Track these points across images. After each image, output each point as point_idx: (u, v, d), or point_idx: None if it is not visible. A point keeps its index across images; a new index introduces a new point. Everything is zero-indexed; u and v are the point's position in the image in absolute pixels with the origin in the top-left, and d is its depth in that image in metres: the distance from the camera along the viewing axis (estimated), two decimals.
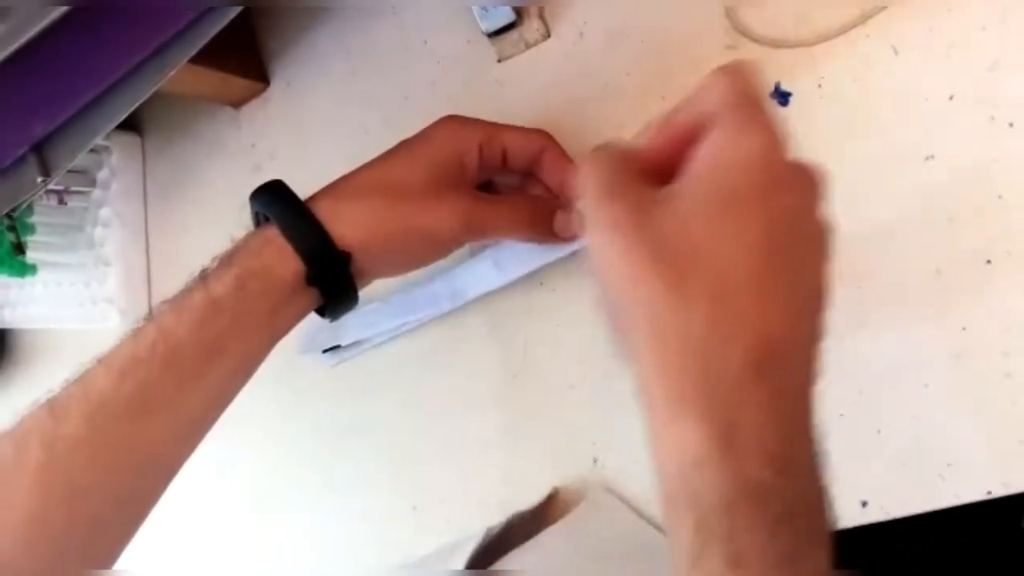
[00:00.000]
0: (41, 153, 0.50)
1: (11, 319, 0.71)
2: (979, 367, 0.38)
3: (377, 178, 0.42)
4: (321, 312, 0.43)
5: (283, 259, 0.39)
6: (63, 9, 0.42)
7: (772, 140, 0.27)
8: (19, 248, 0.55)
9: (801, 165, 0.28)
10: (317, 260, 0.39)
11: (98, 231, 0.66)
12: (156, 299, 0.67)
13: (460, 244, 0.43)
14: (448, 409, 0.52)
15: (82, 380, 0.37)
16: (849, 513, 0.39)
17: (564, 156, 0.45)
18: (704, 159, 0.28)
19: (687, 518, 0.25)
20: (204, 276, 0.39)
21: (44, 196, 0.62)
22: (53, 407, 0.37)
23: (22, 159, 0.50)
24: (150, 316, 0.39)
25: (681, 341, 0.26)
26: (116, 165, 0.67)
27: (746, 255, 0.26)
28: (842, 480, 0.39)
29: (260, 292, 0.39)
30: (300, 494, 0.58)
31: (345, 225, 0.40)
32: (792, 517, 0.24)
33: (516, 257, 0.46)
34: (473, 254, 0.49)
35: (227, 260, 0.40)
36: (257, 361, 0.41)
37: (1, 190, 0.51)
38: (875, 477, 0.39)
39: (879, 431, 0.39)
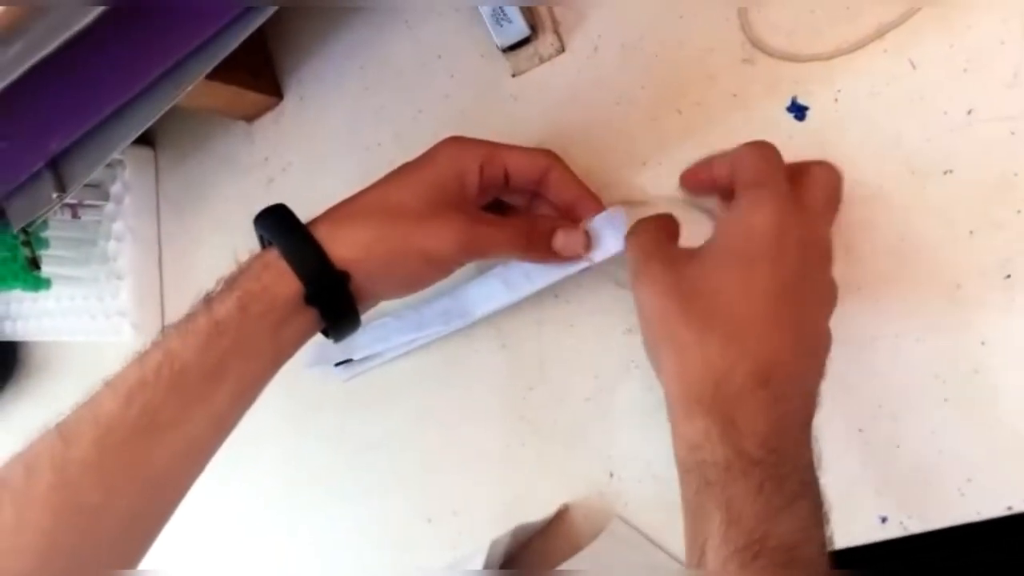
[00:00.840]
0: (56, 169, 0.50)
1: (24, 331, 0.72)
2: (999, 382, 0.38)
3: (376, 200, 0.42)
4: (325, 333, 0.43)
5: (282, 281, 0.39)
6: (79, 26, 0.42)
7: (785, 216, 0.35)
8: (34, 263, 0.56)
9: (808, 237, 0.35)
10: (315, 280, 0.40)
11: (111, 245, 0.66)
12: (169, 312, 0.68)
13: (460, 264, 0.44)
14: (462, 421, 0.52)
15: (90, 403, 0.38)
16: (868, 529, 0.39)
17: (570, 175, 0.45)
18: (728, 224, 0.36)
19: (693, 481, 0.32)
20: (208, 299, 0.40)
21: (58, 210, 0.63)
22: (62, 430, 0.38)
23: (37, 175, 0.50)
24: (156, 340, 0.39)
25: (698, 363, 0.34)
26: (129, 179, 0.67)
27: (756, 303, 0.34)
28: (861, 495, 0.40)
29: (261, 314, 0.39)
30: (313, 506, 0.58)
31: (343, 246, 0.40)
32: (779, 480, 0.31)
33: (525, 275, 0.46)
34: (482, 271, 0.49)
35: (229, 283, 0.40)
36: (262, 383, 0.42)
37: (17, 206, 0.51)
38: (894, 492, 0.39)
39: (898, 446, 0.39)
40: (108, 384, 0.38)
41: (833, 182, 0.39)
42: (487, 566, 0.42)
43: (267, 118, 0.63)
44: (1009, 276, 0.38)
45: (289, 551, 0.58)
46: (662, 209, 0.43)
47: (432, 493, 0.52)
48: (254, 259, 0.41)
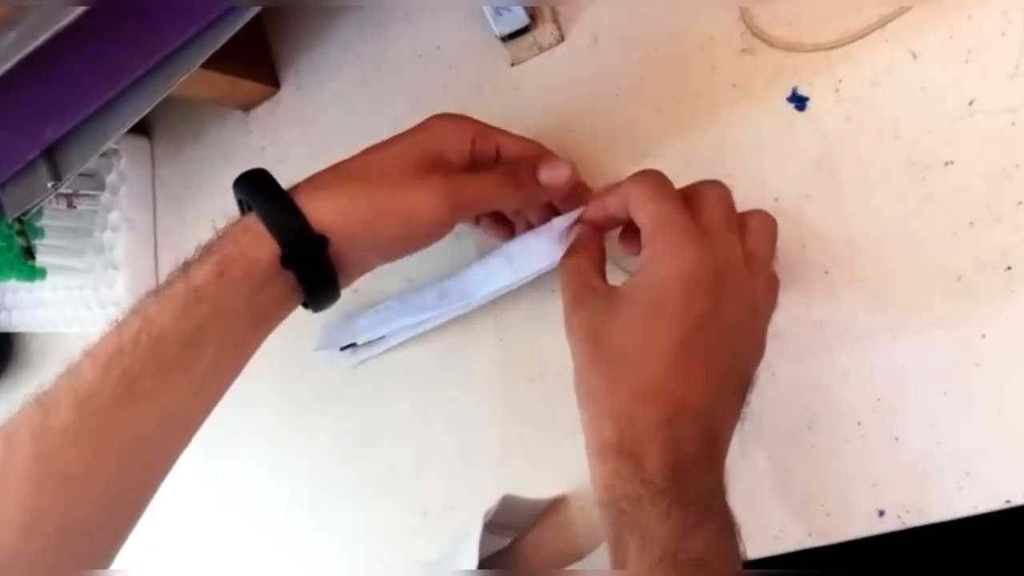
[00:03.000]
0: (52, 158, 0.50)
1: (19, 323, 0.71)
2: (998, 375, 0.37)
3: (359, 166, 0.42)
4: (305, 306, 0.43)
5: (260, 244, 0.39)
6: (75, 14, 0.42)
7: (691, 261, 0.35)
8: (29, 252, 0.55)
9: (724, 276, 0.36)
10: (292, 242, 0.39)
11: (107, 235, 0.66)
12: None
13: (449, 225, 0.42)
14: (460, 414, 0.52)
15: (69, 373, 0.38)
16: (866, 522, 0.39)
17: (559, 160, 0.44)
18: (639, 276, 0.37)
19: (610, 515, 0.34)
20: (186, 266, 0.39)
21: (53, 200, 0.62)
22: (42, 401, 0.37)
23: (32, 164, 0.50)
24: (134, 307, 0.39)
25: (607, 412, 0.36)
26: (125, 169, 0.66)
27: (662, 355, 0.35)
28: (859, 489, 0.39)
29: (239, 278, 0.39)
30: (309, 499, 0.58)
31: (322, 209, 0.40)
32: (684, 506, 0.33)
33: (527, 254, 0.45)
34: (483, 255, 0.49)
35: (207, 249, 0.40)
36: (244, 350, 0.41)
37: (12, 195, 0.51)
38: (892, 486, 0.39)
39: (897, 439, 0.39)
40: (87, 353, 0.38)
41: (770, 234, 0.39)
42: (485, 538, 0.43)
43: (264, 108, 0.63)
44: (1010, 268, 0.37)
45: (284, 545, 0.58)
46: None
47: (429, 486, 0.52)
48: (232, 224, 0.41)
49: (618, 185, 0.39)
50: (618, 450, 0.34)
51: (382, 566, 0.53)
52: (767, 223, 0.39)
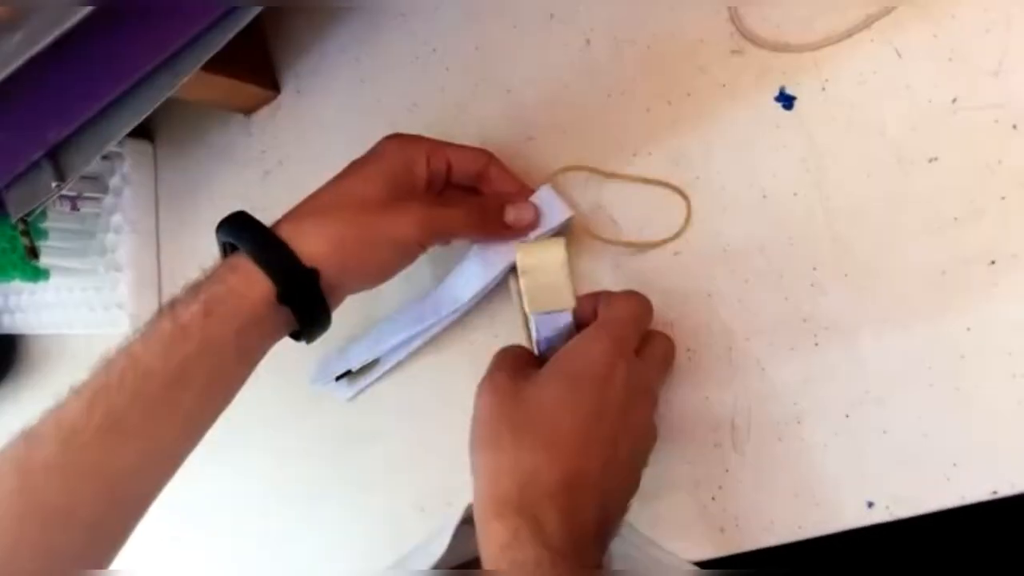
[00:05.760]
0: (56, 158, 0.50)
1: (23, 324, 0.72)
2: (984, 367, 0.38)
3: (336, 196, 0.43)
4: (296, 336, 0.44)
5: (250, 283, 0.40)
6: (78, 16, 0.43)
7: (619, 353, 0.38)
8: (33, 252, 0.56)
9: (636, 379, 0.38)
10: (286, 279, 0.40)
11: (110, 237, 0.67)
12: None
13: (423, 248, 0.44)
14: (456, 411, 0.52)
15: (56, 409, 0.38)
16: (855, 514, 0.40)
17: (507, 171, 0.48)
18: (569, 347, 0.39)
19: None
20: (173, 304, 0.40)
21: (57, 202, 0.63)
22: (28, 436, 0.38)
23: (36, 165, 0.50)
24: (121, 345, 0.40)
25: (510, 464, 0.36)
26: (128, 172, 0.67)
27: (575, 418, 0.36)
28: (848, 481, 0.40)
29: (226, 317, 0.39)
30: (307, 496, 0.58)
31: (310, 243, 0.41)
32: (583, 571, 0.34)
33: (496, 251, 0.47)
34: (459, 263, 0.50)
35: (194, 289, 0.41)
36: (232, 385, 0.42)
37: (16, 195, 0.52)
38: (880, 477, 0.39)
39: (885, 431, 0.40)
40: (74, 390, 0.39)
41: (670, 349, 0.44)
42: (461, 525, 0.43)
43: (264, 111, 0.64)
44: (994, 262, 0.38)
45: (281, 537, 0.59)
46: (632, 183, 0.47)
47: (426, 484, 0.53)
48: (219, 265, 0.42)
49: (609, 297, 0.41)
50: (518, 508, 0.34)
51: (377, 559, 0.53)
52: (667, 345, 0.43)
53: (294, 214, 0.43)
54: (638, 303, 0.41)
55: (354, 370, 0.54)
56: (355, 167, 0.44)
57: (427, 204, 0.44)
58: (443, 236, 0.45)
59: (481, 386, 0.40)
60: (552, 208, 0.47)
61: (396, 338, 0.52)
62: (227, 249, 0.43)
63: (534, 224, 0.47)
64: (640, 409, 0.39)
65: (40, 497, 0.37)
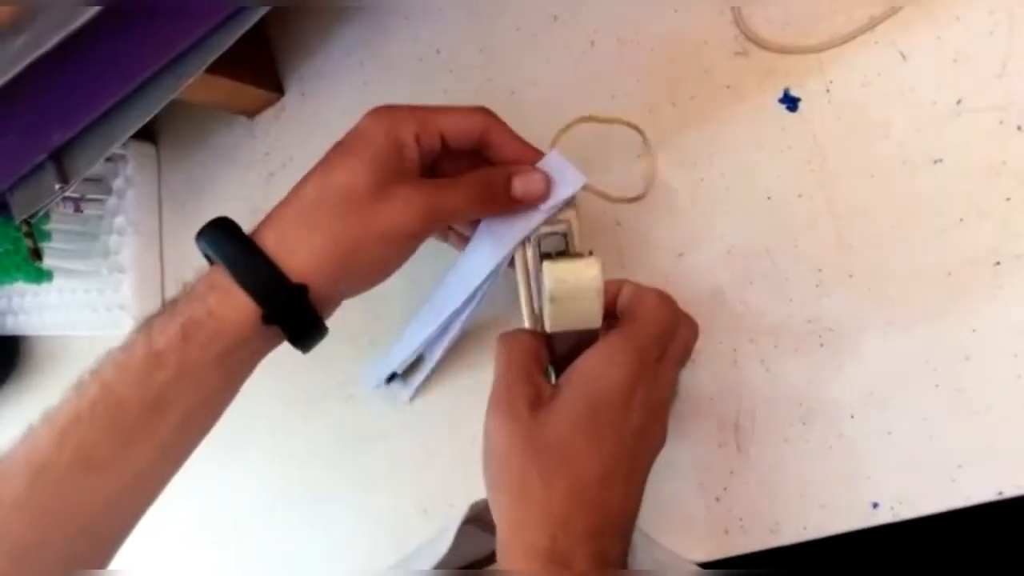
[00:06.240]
0: (59, 160, 0.51)
1: (26, 326, 0.72)
2: (990, 368, 0.38)
3: (319, 192, 0.39)
4: (293, 342, 0.41)
5: (232, 303, 0.37)
6: (82, 19, 0.43)
7: (638, 376, 0.36)
8: (36, 254, 0.56)
9: (653, 393, 0.37)
10: (270, 299, 0.37)
11: (113, 239, 0.67)
12: None
13: (423, 238, 0.41)
14: (459, 412, 0.52)
15: (26, 440, 0.37)
16: (860, 515, 0.40)
17: (509, 132, 0.42)
18: (585, 372, 0.36)
19: None
20: (149, 324, 0.38)
21: (60, 204, 0.63)
22: None
23: (40, 167, 0.51)
24: (94, 369, 0.38)
25: (541, 512, 0.34)
26: (132, 174, 0.68)
27: (599, 461, 0.35)
28: (853, 482, 0.40)
29: (206, 341, 0.37)
30: (311, 496, 0.58)
31: (295, 255, 0.37)
32: None
33: (506, 225, 0.43)
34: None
35: (171, 308, 0.38)
36: (215, 407, 0.40)
37: (20, 196, 0.52)
38: (885, 479, 0.39)
39: (889, 432, 0.40)
40: (45, 419, 0.37)
41: (691, 342, 0.42)
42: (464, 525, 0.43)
43: (268, 113, 0.64)
44: (998, 263, 0.38)
45: (284, 538, 0.59)
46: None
47: (429, 485, 0.53)
48: (198, 281, 0.39)
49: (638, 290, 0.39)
50: (549, 556, 0.34)
51: (381, 560, 0.53)
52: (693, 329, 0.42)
53: (277, 219, 0.39)
54: (667, 314, 0.39)
55: (399, 372, 0.52)
56: (337, 154, 0.40)
57: (422, 188, 0.39)
58: (444, 222, 0.41)
59: (494, 412, 0.37)
60: (564, 175, 0.42)
61: (424, 333, 0.49)
62: (210, 259, 0.40)
63: (545, 195, 0.41)
64: (656, 426, 0.38)
65: (9, 533, 0.36)
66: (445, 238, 0.48)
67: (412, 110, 0.40)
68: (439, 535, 0.44)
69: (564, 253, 0.42)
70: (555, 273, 0.35)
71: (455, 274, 0.47)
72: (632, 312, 0.38)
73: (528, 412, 0.36)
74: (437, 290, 0.50)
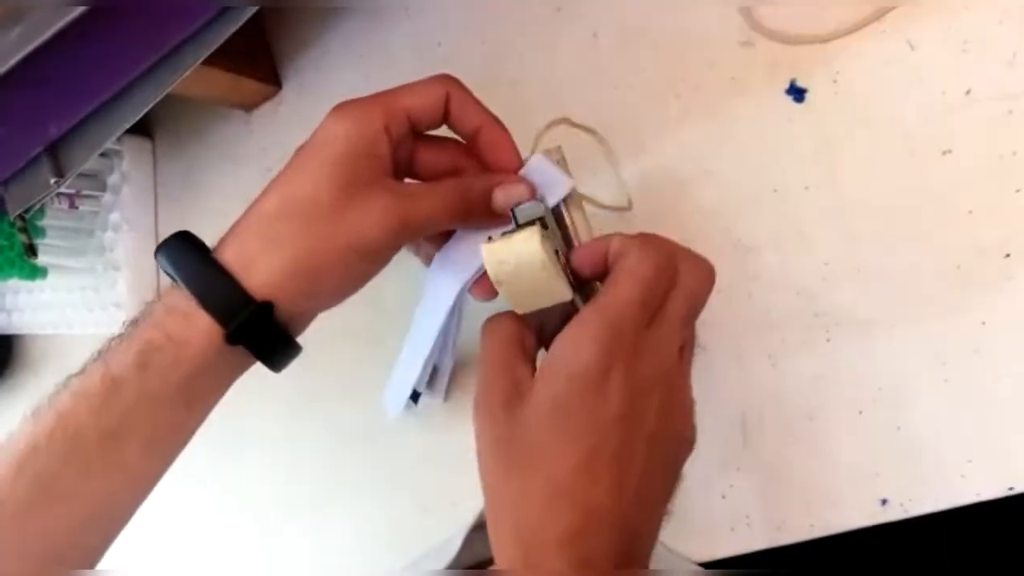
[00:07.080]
0: (55, 154, 0.50)
1: (20, 324, 0.71)
2: (999, 362, 0.37)
3: (282, 202, 0.36)
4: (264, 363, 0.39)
5: (193, 326, 0.35)
6: (78, 11, 0.42)
7: (609, 354, 0.32)
8: (31, 250, 0.55)
9: (640, 368, 0.32)
10: (233, 317, 0.35)
11: (108, 235, 0.66)
12: None
13: (395, 251, 0.38)
14: (460, 411, 0.52)
15: None
16: (868, 511, 0.39)
17: (471, 98, 0.39)
18: (553, 360, 0.33)
19: None
20: (107, 349, 0.36)
21: (55, 199, 0.63)
22: None
23: (36, 160, 0.50)
24: (51, 395, 0.36)
25: (513, 523, 0.32)
26: (127, 169, 0.67)
27: (578, 452, 0.31)
28: (861, 478, 0.39)
29: (166, 367, 0.35)
30: (311, 496, 0.58)
31: (258, 271, 0.35)
32: None
33: (464, 254, 0.39)
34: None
35: (129, 332, 0.36)
36: (182, 431, 0.38)
37: (15, 191, 0.51)
38: (894, 475, 0.39)
39: (898, 428, 0.39)
40: (2, 448, 0.36)
41: (700, 290, 0.35)
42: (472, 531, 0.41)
43: (266, 107, 0.63)
44: (1008, 255, 0.38)
45: (286, 538, 0.58)
46: None
47: (431, 485, 0.52)
48: (156, 302, 0.37)
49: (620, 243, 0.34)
50: (524, 565, 0.31)
51: (381, 560, 0.53)
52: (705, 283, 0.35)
53: (238, 233, 0.36)
54: (651, 269, 0.33)
55: (420, 389, 0.50)
56: (301, 158, 0.37)
57: (393, 195, 0.36)
58: (417, 234, 0.37)
59: (475, 414, 0.35)
60: (549, 180, 0.38)
61: (422, 355, 0.45)
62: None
63: (532, 197, 0.38)
64: (650, 410, 0.33)
65: None
66: (416, 250, 0.43)
67: (375, 99, 0.37)
68: (445, 543, 0.43)
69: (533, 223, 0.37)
70: (494, 256, 0.32)
71: (429, 282, 0.43)
72: (612, 275, 0.34)
73: (503, 412, 0.33)
74: (420, 303, 0.45)
